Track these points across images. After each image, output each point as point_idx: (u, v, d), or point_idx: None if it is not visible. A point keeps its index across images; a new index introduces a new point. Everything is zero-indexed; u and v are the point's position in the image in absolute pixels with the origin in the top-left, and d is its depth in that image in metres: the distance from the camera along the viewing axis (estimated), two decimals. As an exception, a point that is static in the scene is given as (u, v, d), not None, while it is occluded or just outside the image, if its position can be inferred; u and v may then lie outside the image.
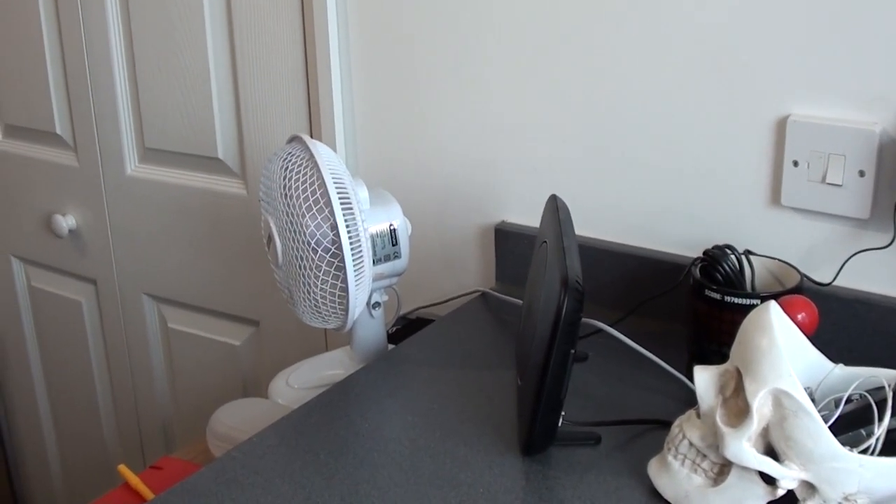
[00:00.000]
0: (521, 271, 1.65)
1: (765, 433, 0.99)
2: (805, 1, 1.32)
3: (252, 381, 2.18)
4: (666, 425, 1.18)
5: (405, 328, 1.66)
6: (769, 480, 0.99)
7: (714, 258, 1.31)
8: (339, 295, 1.33)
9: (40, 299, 2.56)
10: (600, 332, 1.38)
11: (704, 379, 1.04)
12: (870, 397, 1.00)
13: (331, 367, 1.52)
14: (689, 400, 1.23)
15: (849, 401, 1.02)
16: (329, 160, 1.33)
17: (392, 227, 1.41)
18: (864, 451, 0.97)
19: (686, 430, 1.05)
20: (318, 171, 1.30)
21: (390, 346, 1.51)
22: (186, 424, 2.35)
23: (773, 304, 1.03)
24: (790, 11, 1.33)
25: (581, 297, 1.06)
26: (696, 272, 1.31)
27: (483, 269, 1.73)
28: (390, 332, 1.61)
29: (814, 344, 1.09)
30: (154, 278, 2.26)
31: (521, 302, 1.51)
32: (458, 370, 1.38)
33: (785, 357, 0.97)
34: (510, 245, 1.65)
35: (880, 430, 0.98)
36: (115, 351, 2.41)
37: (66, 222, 2.33)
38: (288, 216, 1.32)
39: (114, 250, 2.30)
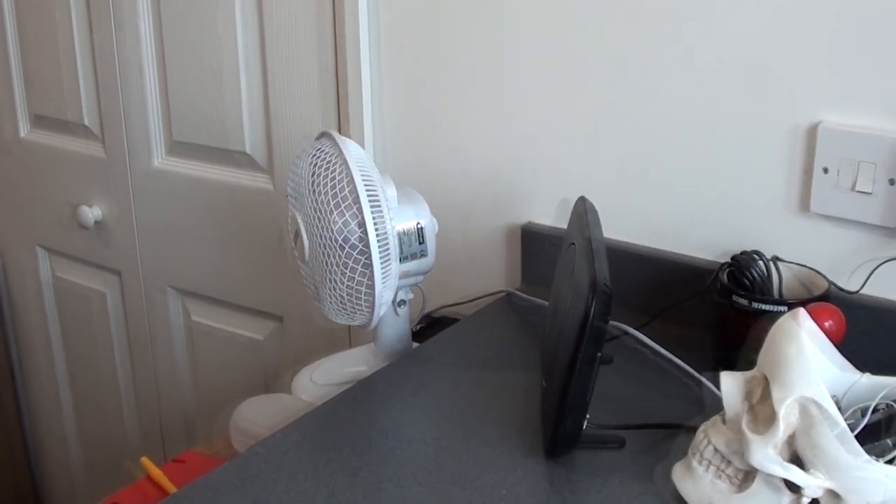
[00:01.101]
0: (547, 272, 1.65)
1: (791, 441, 0.98)
2: (836, 9, 1.31)
3: (274, 377, 2.18)
4: (691, 430, 1.17)
5: (430, 326, 1.66)
6: (794, 488, 0.98)
7: (742, 264, 1.31)
8: (365, 292, 1.33)
9: (65, 290, 2.57)
10: (626, 335, 1.38)
11: (731, 385, 1.04)
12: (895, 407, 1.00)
13: (355, 364, 1.52)
14: (714, 405, 1.22)
15: (875, 410, 1.02)
16: (358, 157, 1.33)
17: (419, 226, 1.41)
18: (889, 462, 0.96)
19: (711, 435, 1.05)
20: (347, 167, 1.30)
21: (415, 345, 1.51)
22: (208, 418, 2.36)
23: (801, 312, 1.02)
24: (821, 19, 1.32)
25: (609, 300, 1.06)
26: (724, 277, 1.31)
27: (508, 270, 1.73)
28: (415, 330, 1.61)
29: (840, 352, 1.09)
30: (178, 271, 2.26)
31: (546, 303, 1.51)
32: (482, 370, 1.38)
33: (813, 365, 0.97)
34: (536, 246, 1.65)
35: (907, 441, 0.97)
36: (139, 343, 2.42)
37: (92, 213, 2.34)
38: (315, 212, 1.32)
39: (139, 242, 2.31)
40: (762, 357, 1.03)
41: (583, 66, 1.55)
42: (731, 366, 1.27)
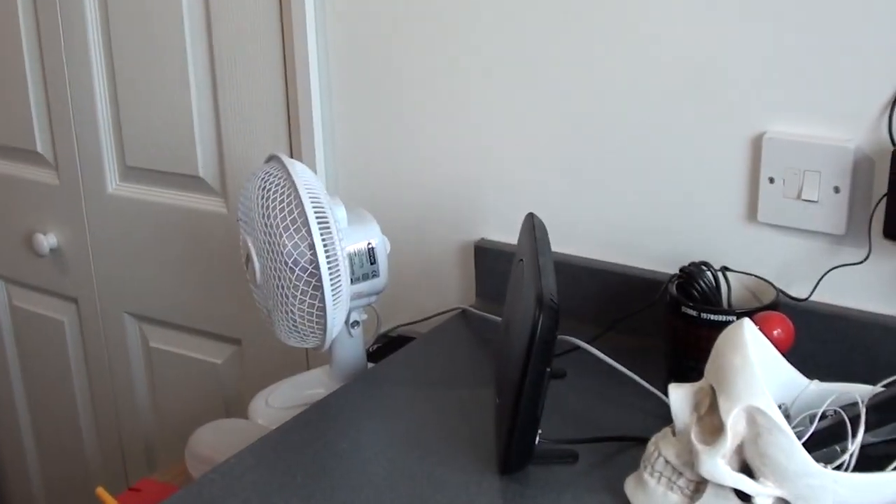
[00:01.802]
0: (501, 288, 1.65)
1: (740, 450, 0.99)
2: (780, 20, 1.32)
3: (234, 400, 2.17)
4: (643, 442, 1.18)
5: (386, 346, 1.66)
6: (744, 498, 0.99)
7: (690, 275, 1.31)
8: (316, 314, 1.33)
9: (22, 318, 2.55)
10: (578, 348, 1.39)
11: (679, 396, 1.04)
12: (844, 413, 1.01)
13: (311, 387, 1.52)
14: (667, 417, 1.22)
15: (823, 417, 1.03)
16: (306, 179, 1.33)
17: (370, 246, 1.42)
18: (838, 468, 0.97)
19: (662, 447, 1.05)
20: (296, 190, 1.31)
21: (370, 365, 1.51)
22: (169, 444, 2.34)
23: (746, 322, 1.03)
24: (765, 31, 1.34)
25: (556, 315, 1.06)
26: (673, 289, 1.31)
27: (463, 287, 1.74)
28: (371, 350, 1.61)
29: (791, 359, 1.10)
30: (135, 297, 2.25)
31: (500, 319, 1.51)
32: (437, 389, 1.38)
33: (758, 374, 0.98)
34: (490, 262, 1.66)
35: (854, 447, 0.98)
36: (97, 370, 2.41)
37: (47, 241, 2.33)
38: (266, 236, 1.32)
39: (95, 269, 2.30)
40: (709, 368, 1.03)
41: (532, 83, 1.56)
42: (683, 377, 1.28)
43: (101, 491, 1.45)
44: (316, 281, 1.30)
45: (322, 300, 1.31)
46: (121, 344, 2.32)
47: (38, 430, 2.68)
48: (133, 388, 2.34)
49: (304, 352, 1.99)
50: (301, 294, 1.32)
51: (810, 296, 1.37)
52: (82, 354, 2.44)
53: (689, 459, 1.02)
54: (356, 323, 1.46)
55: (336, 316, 1.33)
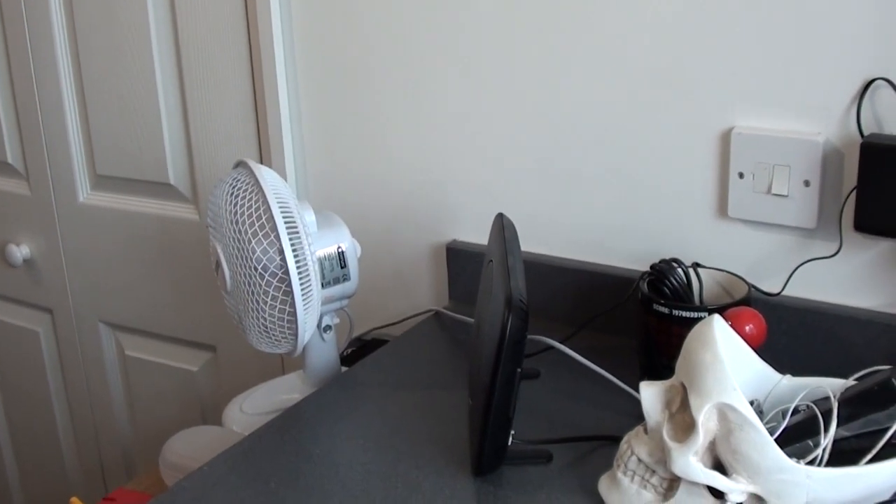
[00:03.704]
0: (474, 289, 1.65)
1: (712, 447, 0.99)
2: (746, 14, 1.32)
3: (211, 407, 2.16)
4: (617, 441, 1.18)
5: (360, 349, 1.66)
6: (718, 495, 0.99)
7: (661, 272, 1.31)
8: (287, 319, 1.32)
9: (-4, 330, 2.55)
10: (552, 348, 1.38)
11: (650, 394, 1.04)
12: (816, 408, 1.00)
13: (285, 392, 1.51)
14: (640, 415, 1.22)
15: (796, 412, 1.03)
16: (274, 184, 1.32)
17: (340, 250, 1.41)
18: (811, 462, 0.97)
19: (634, 446, 1.05)
20: (264, 195, 1.30)
21: (344, 369, 1.51)
22: (147, 452, 2.34)
23: (716, 318, 1.03)
24: (732, 25, 1.34)
25: (525, 316, 1.06)
26: (645, 286, 1.31)
27: (436, 288, 1.73)
28: (345, 354, 1.61)
29: (764, 354, 1.10)
30: (110, 306, 2.24)
31: (473, 320, 1.51)
32: (411, 391, 1.37)
33: (728, 371, 0.97)
34: (462, 263, 1.65)
35: (826, 441, 0.98)
36: (74, 380, 2.40)
37: (20, 252, 2.31)
38: (235, 242, 1.32)
39: (69, 279, 2.29)
40: (679, 365, 1.03)
41: (503, 83, 1.55)
42: (657, 374, 1.28)
43: (75, 501, 1.44)
44: (286, 286, 1.30)
45: (292, 305, 1.30)
46: (96, 353, 2.31)
47: (15, 440, 2.67)
48: (110, 397, 2.33)
49: (280, 357, 1.98)
50: (271, 300, 1.31)
51: (782, 290, 1.37)
52: (58, 364, 2.43)
53: (662, 457, 1.02)
54: (328, 327, 1.46)
55: (307, 321, 1.33)
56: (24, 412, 2.59)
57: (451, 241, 1.68)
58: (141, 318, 2.20)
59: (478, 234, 1.65)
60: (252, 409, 1.50)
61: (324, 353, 1.47)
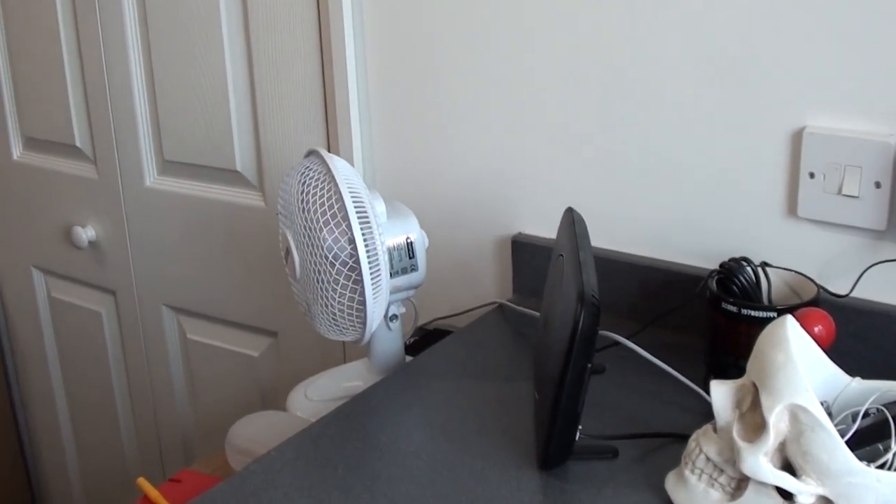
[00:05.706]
0: (538, 283, 1.65)
1: (782, 448, 0.99)
2: (822, 13, 1.32)
3: (271, 392, 2.18)
4: (683, 439, 1.18)
5: (423, 339, 1.66)
6: (786, 496, 0.99)
7: (730, 270, 1.31)
8: (356, 308, 1.34)
9: (61, 310, 2.58)
10: (618, 344, 1.39)
11: (721, 393, 1.04)
12: (887, 412, 1.00)
13: (349, 379, 1.52)
14: (707, 413, 1.23)
15: (866, 415, 1.02)
16: (346, 174, 1.33)
17: (409, 240, 1.42)
18: (881, 466, 0.97)
19: (703, 444, 1.05)
20: (336, 185, 1.31)
21: (408, 358, 1.52)
22: (206, 436, 2.36)
23: (788, 318, 1.03)
24: (807, 24, 1.33)
25: (597, 311, 1.06)
26: (713, 284, 1.31)
27: (500, 281, 1.74)
28: (408, 343, 1.62)
29: (831, 356, 1.09)
30: (173, 289, 2.27)
31: (537, 314, 1.52)
32: (475, 382, 1.38)
33: (801, 372, 0.97)
34: (527, 256, 1.66)
35: (897, 445, 0.98)
36: (135, 362, 2.42)
37: (85, 234, 2.34)
38: (306, 230, 1.33)
39: (133, 261, 2.31)
40: (751, 365, 1.03)
41: (570, 76, 1.55)
42: (723, 373, 1.28)
43: (142, 481, 1.46)
44: (356, 275, 1.31)
45: (362, 294, 1.32)
46: (158, 336, 2.34)
47: (75, 421, 2.71)
48: (171, 380, 2.36)
49: (341, 344, 2.00)
50: (341, 288, 1.32)
51: (851, 292, 1.36)
52: (120, 346, 2.46)
53: (731, 457, 1.02)
54: (395, 317, 1.47)
55: (375, 310, 1.34)
56: (85, 392, 2.62)
57: (516, 233, 1.68)
58: (203, 303, 2.22)
59: (543, 227, 1.66)
60: (317, 395, 1.52)
61: (389, 341, 1.48)
